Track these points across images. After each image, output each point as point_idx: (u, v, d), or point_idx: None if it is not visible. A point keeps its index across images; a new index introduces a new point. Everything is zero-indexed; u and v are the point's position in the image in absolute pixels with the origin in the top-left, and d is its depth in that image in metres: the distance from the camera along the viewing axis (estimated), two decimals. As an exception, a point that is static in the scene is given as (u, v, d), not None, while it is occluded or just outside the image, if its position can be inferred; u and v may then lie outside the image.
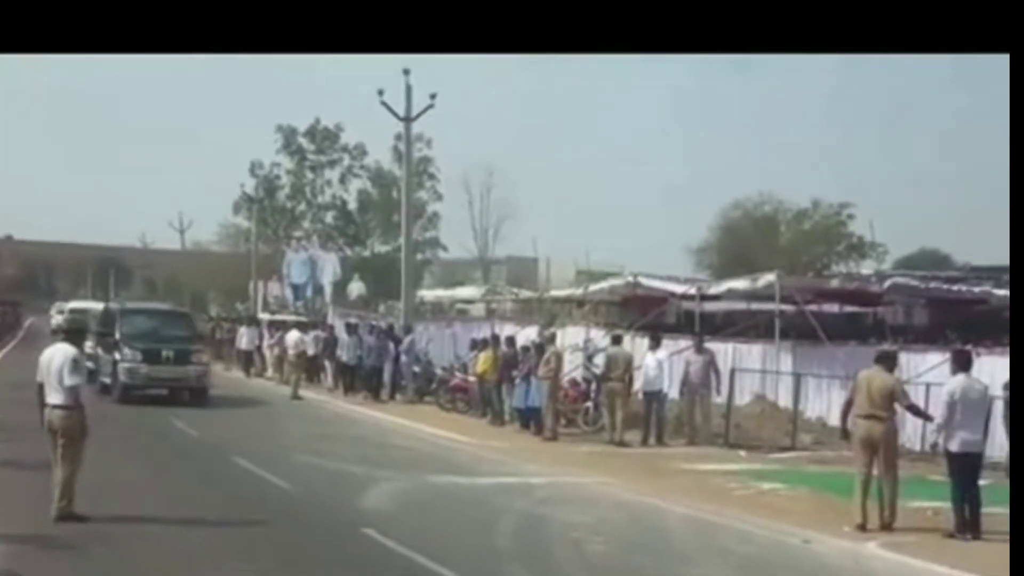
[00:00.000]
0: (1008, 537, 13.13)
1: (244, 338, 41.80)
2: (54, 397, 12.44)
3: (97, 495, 13.12)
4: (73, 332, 13.27)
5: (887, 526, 13.87)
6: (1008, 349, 19.25)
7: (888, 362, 14.79)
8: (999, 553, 12.71)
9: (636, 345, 26.26)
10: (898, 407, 14.50)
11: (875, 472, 14.13)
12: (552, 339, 25.16)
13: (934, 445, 14.30)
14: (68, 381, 12.31)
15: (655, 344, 23.73)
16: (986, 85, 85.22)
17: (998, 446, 16.49)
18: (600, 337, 27.48)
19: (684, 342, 24.98)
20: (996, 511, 13.78)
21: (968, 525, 13.47)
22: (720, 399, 22.95)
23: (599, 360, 24.04)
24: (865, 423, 14.10)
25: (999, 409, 16.59)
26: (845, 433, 14.86)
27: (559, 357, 24.36)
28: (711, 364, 23.11)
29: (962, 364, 14.10)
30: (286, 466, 17.61)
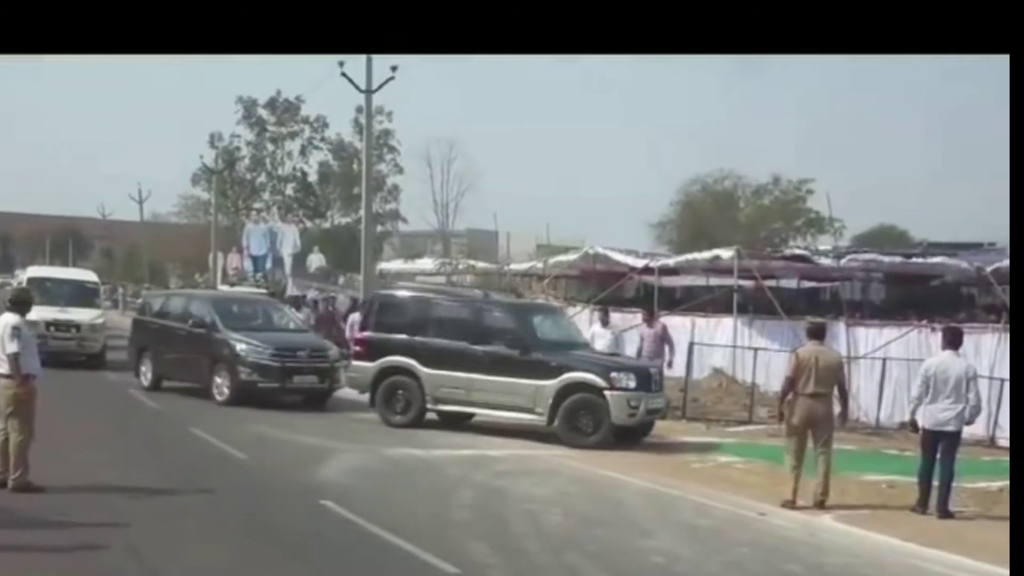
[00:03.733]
0: (969, 514, 13.44)
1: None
2: (2, 366, 12.52)
3: (55, 466, 13.04)
4: (18, 303, 13.15)
5: (821, 503, 13.78)
6: (965, 325, 19.52)
7: (822, 335, 14.75)
8: (954, 527, 12.94)
9: (594, 319, 26.35)
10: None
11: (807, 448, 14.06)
12: None
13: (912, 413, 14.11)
14: (8, 349, 12.40)
15: (604, 317, 23.72)
16: (950, 63, 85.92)
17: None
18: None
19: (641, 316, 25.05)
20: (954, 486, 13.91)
21: (939, 502, 13.50)
22: (671, 370, 22.90)
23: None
24: (809, 401, 13.87)
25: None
26: (783, 415, 14.35)
27: None
28: (663, 336, 23.10)
29: (951, 341, 14.08)
30: (243, 437, 17.55)
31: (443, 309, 21.08)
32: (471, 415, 20.32)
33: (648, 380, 19.17)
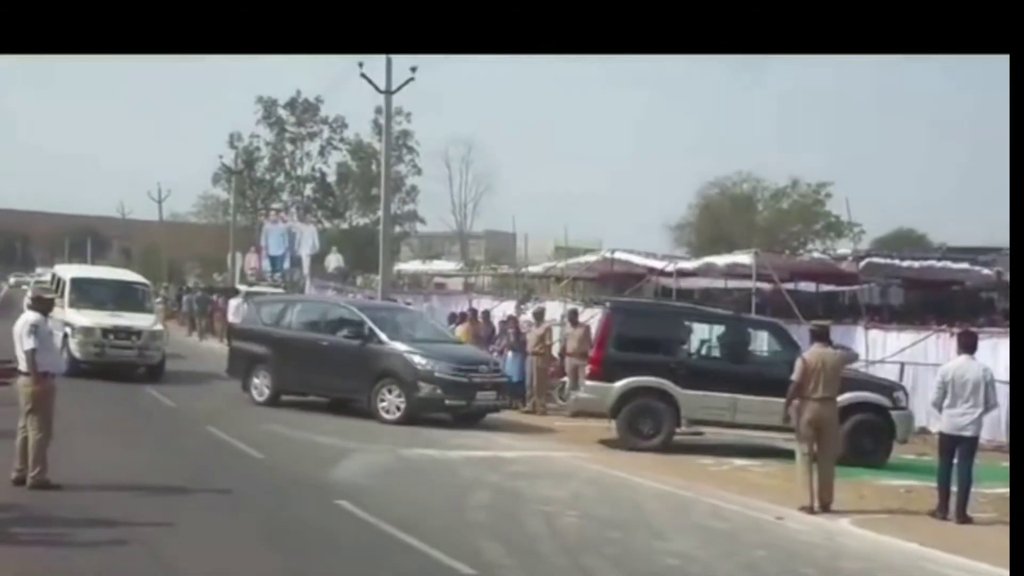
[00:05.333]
0: (995, 519, 13.37)
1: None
2: (20, 364, 12.57)
3: (72, 464, 13.08)
4: (40, 301, 13.19)
5: (826, 505, 13.74)
6: (984, 329, 19.47)
7: (828, 337, 14.71)
8: (972, 532, 12.87)
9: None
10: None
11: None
12: (542, 314, 25.05)
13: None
14: (25, 345, 12.43)
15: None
16: (963, 68, 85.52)
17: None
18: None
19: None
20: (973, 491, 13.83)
21: (957, 507, 13.44)
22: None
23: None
24: (816, 405, 13.88)
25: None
26: (788, 418, 14.35)
27: (551, 333, 24.36)
28: None
29: (966, 346, 14.01)
30: (260, 437, 17.54)
31: (697, 327, 20.21)
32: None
33: (906, 396, 19.02)
